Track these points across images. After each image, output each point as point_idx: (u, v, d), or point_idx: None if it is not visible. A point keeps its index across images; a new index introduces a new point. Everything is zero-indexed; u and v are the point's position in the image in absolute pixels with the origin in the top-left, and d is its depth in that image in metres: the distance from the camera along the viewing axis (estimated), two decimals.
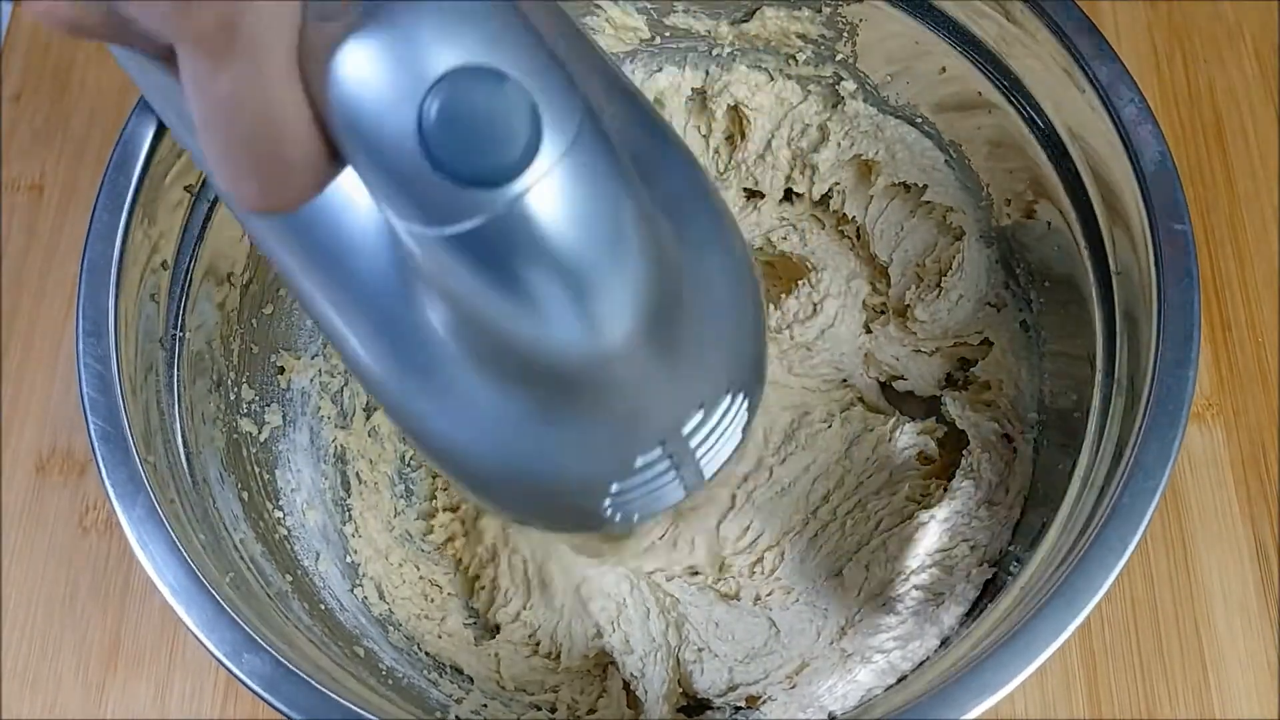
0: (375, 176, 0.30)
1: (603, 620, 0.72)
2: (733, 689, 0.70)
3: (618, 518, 0.45)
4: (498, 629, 0.75)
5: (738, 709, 0.70)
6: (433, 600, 0.76)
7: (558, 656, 0.73)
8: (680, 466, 0.43)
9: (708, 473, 0.45)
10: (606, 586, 0.72)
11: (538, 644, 0.74)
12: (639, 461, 0.41)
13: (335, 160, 0.31)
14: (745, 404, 0.44)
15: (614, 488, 0.42)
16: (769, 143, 0.81)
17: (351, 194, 0.36)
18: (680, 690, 0.71)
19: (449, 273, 0.33)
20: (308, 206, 0.32)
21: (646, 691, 0.70)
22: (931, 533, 0.70)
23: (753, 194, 0.84)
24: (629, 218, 0.33)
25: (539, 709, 0.71)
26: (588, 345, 0.34)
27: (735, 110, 0.81)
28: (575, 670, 0.73)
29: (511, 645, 0.73)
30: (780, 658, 0.70)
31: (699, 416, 0.42)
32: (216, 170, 0.31)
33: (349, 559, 0.73)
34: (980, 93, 0.70)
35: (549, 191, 0.30)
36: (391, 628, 0.72)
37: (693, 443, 0.42)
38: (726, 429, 0.44)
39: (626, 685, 0.71)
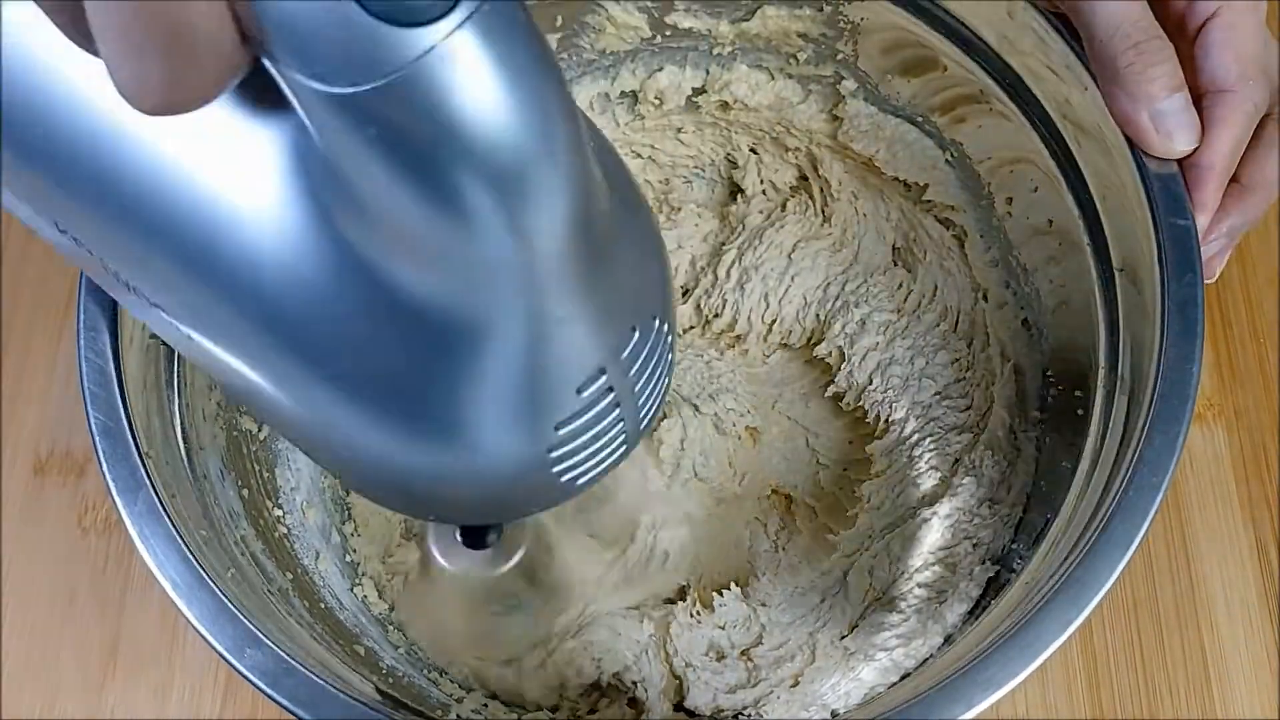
0: (292, 23, 0.28)
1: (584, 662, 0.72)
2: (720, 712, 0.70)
3: (567, 477, 0.41)
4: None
5: (737, 716, 0.69)
6: None
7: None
8: (622, 404, 0.39)
9: (645, 417, 0.42)
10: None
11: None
12: (585, 391, 0.38)
13: (246, 45, 0.29)
14: (670, 335, 0.41)
15: (561, 430, 0.38)
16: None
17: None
18: (677, 682, 0.71)
19: (363, 163, 0.30)
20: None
21: (647, 692, 0.70)
22: (934, 530, 0.70)
23: None
24: (557, 98, 0.31)
25: (540, 708, 0.71)
26: (517, 253, 0.32)
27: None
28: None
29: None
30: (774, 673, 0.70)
31: (635, 339, 0.39)
32: (115, 60, 0.28)
33: (348, 558, 0.73)
34: (982, 91, 0.70)
35: (471, 43, 0.28)
36: (391, 627, 0.72)
37: (631, 371, 0.39)
38: (660, 359, 0.41)
39: (624, 688, 0.71)
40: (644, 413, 0.42)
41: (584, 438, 0.39)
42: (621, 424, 0.41)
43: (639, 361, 0.40)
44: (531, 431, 0.38)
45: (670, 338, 0.42)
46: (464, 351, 0.34)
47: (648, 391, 0.41)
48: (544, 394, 0.37)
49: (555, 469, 0.40)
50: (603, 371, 0.38)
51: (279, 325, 0.35)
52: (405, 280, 0.33)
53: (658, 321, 0.40)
